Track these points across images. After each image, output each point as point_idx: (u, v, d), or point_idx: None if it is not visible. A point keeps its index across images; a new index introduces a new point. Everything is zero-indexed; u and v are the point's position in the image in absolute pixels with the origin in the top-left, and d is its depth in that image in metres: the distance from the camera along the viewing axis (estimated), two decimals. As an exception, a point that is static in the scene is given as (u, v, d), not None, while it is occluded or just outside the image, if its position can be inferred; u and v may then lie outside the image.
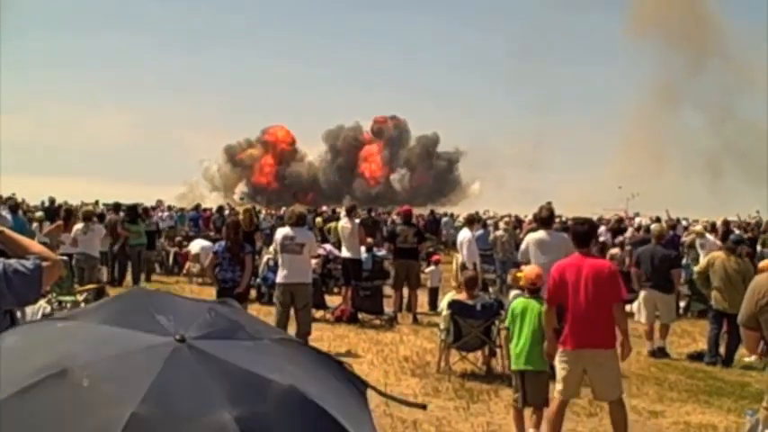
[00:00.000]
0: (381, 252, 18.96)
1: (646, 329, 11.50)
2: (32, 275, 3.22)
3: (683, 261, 16.05)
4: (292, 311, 10.63)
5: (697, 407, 8.47)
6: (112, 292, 14.33)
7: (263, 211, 36.71)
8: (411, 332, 12.42)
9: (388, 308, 13.62)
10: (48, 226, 17.59)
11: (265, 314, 12.80)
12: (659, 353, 11.16)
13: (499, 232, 18.54)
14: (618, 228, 23.11)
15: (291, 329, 10.60)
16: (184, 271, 19.22)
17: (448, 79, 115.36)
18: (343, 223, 14.71)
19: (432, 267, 15.63)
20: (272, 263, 14.48)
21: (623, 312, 6.60)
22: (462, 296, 9.48)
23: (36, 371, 1.83)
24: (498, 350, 9.23)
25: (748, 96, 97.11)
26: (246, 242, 10.87)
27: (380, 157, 73.21)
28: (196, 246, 19.09)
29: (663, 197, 50.34)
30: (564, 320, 6.45)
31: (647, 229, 18.56)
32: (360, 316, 13.24)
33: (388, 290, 14.75)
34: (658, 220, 24.65)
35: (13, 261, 3.23)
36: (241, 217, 14.80)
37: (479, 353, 9.70)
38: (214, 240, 18.80)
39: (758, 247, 17.99)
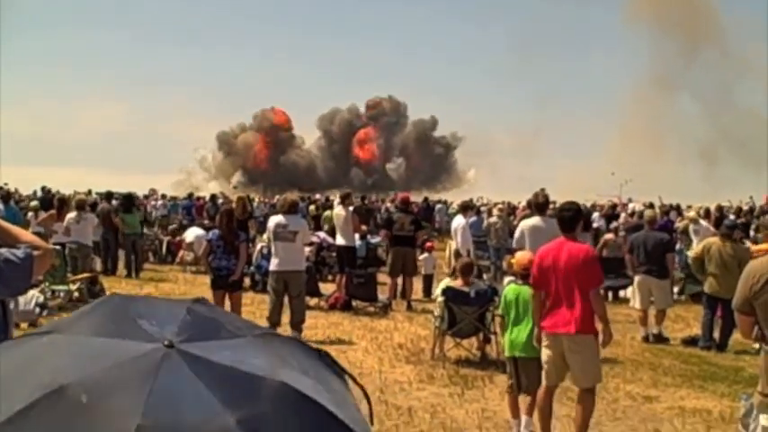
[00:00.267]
0: (375, 239, 18.97)
1: (640, 315, 11.51)
2: (23, 265, 3.17)
3: (677, 246, 16.11)
4: (286, 299, 10.62)
5: (691, 392, 8.49)
6: (105, 281, 14.35)
7: (257, 199, 36.65)
8: (405, 319, 12.42)
9: (382, 295, 13.62)
10: (42, 215, 17.55)
11: (259, 302, 12.81)
12: (657, 339, 11.16)
13: (493, 219, 18.54)
14: (611, 214, 23.18)
15: (285, 317, 10.61)
16: (178, 259, 19.19)
17: (446, 71, 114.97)
18: (338, 211, 14.70)
19: (425, 255, 15.63)
20: (265, 251, 14.45)
21: (600, 298, 6.47)
22: (458, 283, 9.47)
23: (30, 391, 1.78)
24: (493, 337, 9.23)
25: (745, 84, 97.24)
26: (240, 230, 10.84)
27: (376, 145, 72.63)
28: (191, 234, 19.00)
29: (657, 183, 50.59)
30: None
31: (641, 215, 18.60)
32: (354, 303, 13.23)
33: (381, 277, 14.75)
34: (651, 206, 24.69)
35: (3, 250, 3.18)
36: (234, 205, 14.79)
37: (474, 339, 9.69)
38: (208, 229, 18.79)
39: (751, 233, 18.01)
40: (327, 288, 14.43)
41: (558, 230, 9.76)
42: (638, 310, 11.60)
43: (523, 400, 6.83)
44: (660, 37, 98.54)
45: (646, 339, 11.17)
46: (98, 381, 1.81)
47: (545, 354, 6.45)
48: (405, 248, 14.02)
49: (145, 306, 2.25)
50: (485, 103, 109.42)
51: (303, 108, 72.06)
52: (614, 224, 19.34)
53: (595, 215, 22.80)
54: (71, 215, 14.43)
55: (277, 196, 34.82)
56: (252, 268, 14.88)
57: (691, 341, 11.11)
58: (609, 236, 16.80)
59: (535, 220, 9.78)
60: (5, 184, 26.68)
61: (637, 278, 11.67)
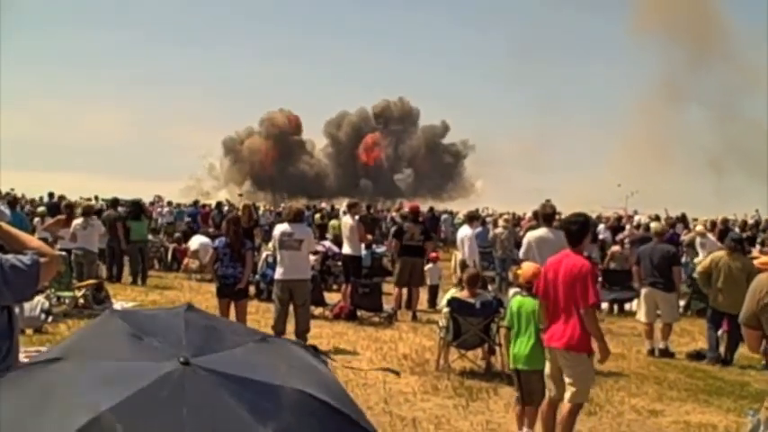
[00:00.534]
0: (380, 249, 18.95)
1: (646, 328, 11.45)
2: (30, 271, 3.17)
3: (683, 260, 16.05)
4: (291, 308, 10.61)
5: (697, 406, 8.44)
6: (111, 288, 14.35)
7: (262, 207, 36.67)
8: (410, 330, 12.39)
9: (387, 305, 13.59)
10: (48, 221, 17.56)
11: (264, 311, 12.80)
12: (662, 353, 11.09)
13: (498, 230, 18.52)
14: (617, 226, 23.12)
15: (290, 326, 10.59)
16: (183, 267, 19.19)
17: (449, 79, 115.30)
18: (345, 220, 14.71)
19: (430, 265, 15.60)
20: (270, 259, 14.45)
21: (592, 317, 6.15)
22: (463, 294, 9.44)
23: (61, 426, 1.75)
24: (498, 348, 9.20)
25: (752, 94, 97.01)
26: (246, 238, 10.84)
27: (384, 152, 71.72)
28: (195, 242, 19.06)
29: (663, 195, 50.41)
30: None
31: (647, 227, 18.57)
32: (359, 313, 13.21)
33: (387, 287, 14.72)
34: (657, 218, 24.64)
35: (10, 256, 3.19)
36: (240, 213, 14.80)
37: (479, 351, 9.67)
38: (212, 236, 18.79)
39: (757, 246, 17.95)
40: (332, 297, 14.42)
41: (564, 242, 9.79)
42: (643, 323, 11.55)
43: (528, 413, 6.81)
44: (667, 46, 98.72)
45: (651, 353, 11.12)
46: (129, 408, 1.80)
47: (546, 366, 6.45)
48: (413, 258, 13.98)
49: (143, 321, 2.25)
50: (487, 110, 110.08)
51: (309, 112, 72.03)
52: (620, 236, 19.30)
53: (601, 227, 22.75)
54: (78, 221, 14.45)
55: (282, 204, 34.87)
56: (257, 276, 14.88)
57: (696, 355, 11.05)
58: (615, 248, 16.79)
59: (542, 231, 9.77)
60: (12, 189, 26.81)
61: (643, 291, 11.61)
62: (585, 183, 66.35)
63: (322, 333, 11.55)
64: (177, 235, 22.95)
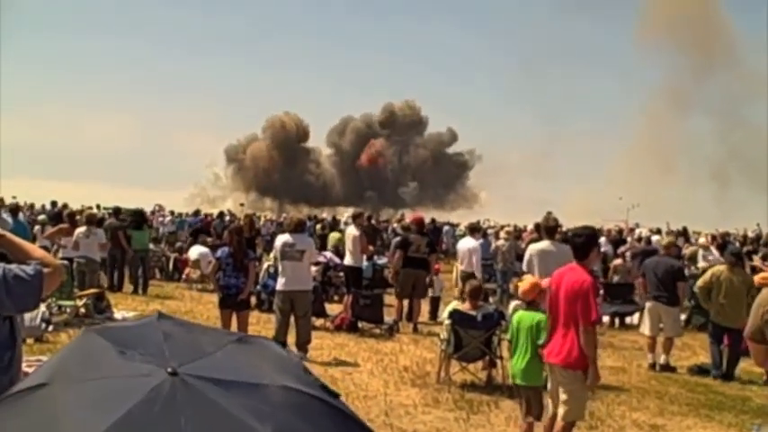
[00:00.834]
0: (382, 260, 18.93)
1: (648, 342, 11.42)
2: (33, 282, 3.15)
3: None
4: (292, 319, 10.60)
5: (698, 421, 8.41)
6: (112, 297, 14.34)
7: (262, 218, 36.65)
8: (411, 342, 12.37)
9: (388, 317, 13.57)
10: (49, 229, 17.56)
11: (265, 321, 12.79)
12: (663, 368, 11.04)
13: (500, 242, 18.50)
14: (618, 239, 23.11)
15: (291, 337, 10.58)
16: (184, 276, 19.19)
17: (455, 90, 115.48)
18: (349, 230, 14.71)
19: (433, 277, 15.57)
20: (272, 270, 14.45)
21: (590, 336, 5.97)
22: (465, 306, 9.44)
23: None
24: (499, 361, 9.19)
25: (756, 102, 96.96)
26: (247, 248, 10.84)
27: (388, 160, 70.54)
28: (194, 252, 19.09)
29: (665, 207, 50.41)
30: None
31: (648, 240, 18.59)
32: (360, 325, 13.18)
33: (388, 299, 14.69)
34: (658, 231, 24.66)
35: (13, 266, 3.16)
36: (242, 223, 14.82)
37: (480, 363, 9.65)
38: (210, 246, 18.81)
39: (759, 255, 17.94)
40: (333, 309, 14.40)
41: (567, 255, 9.77)
42: (647, 337, 11.51)
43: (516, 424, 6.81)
44: (671, 56, 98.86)
45: (652, 367, 11.08)
46: (124, 428, 1.79)
47: (549, 381, 6.42)
48: (417, 270, 13.93)
49: (121, 335, 2.23)
50: (493, 120, 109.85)
51: (315, 120, 71.50)
52: (622, 249, 19.30)
53: (602, 240, 22.73)
54: (81, 229, 14.46)
55: (284, 215, 34.87)
56: (258, 287, 14.87)
57: (697, 369, 11.02)
58: (618, 261, 16.77)
59: (544, 244, 9.78)
60: (13, 197, 26.83)
61: (647, 304, 11.58)
62: (588, 195, 66.38)
63: (323, 344, 11.54)
64: (179, 244, 22.95)
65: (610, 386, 9.40)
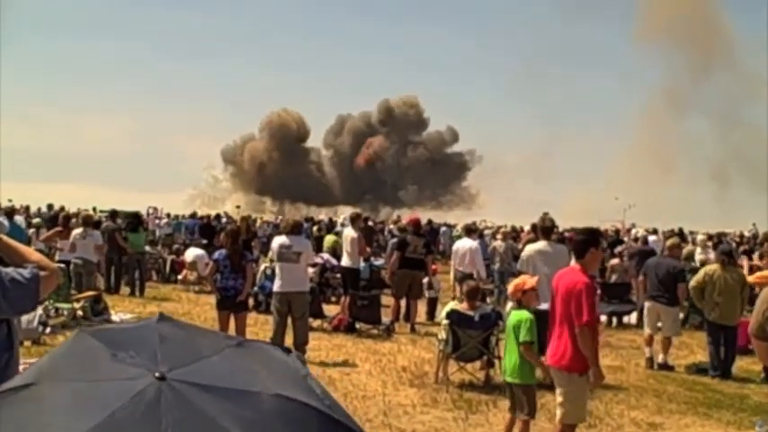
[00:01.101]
0: (379, 262, 18.92)
1: (645, 339, 11.42)
2: (29, 285, 3.15)
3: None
4: (290, 320, 10.59)
5: (696, 419, 8.42)
6: (109, 299, 14.32)
7: (259, 220, 36.62)
8: (409, 342, 12.37)
9: (386, 318, 13.56)
10: (45, 232, 17.54)
11: (262, 323, 12.78)
12: (662, 367, 11.04)
13: (497, 242, 18.51)
14: (616, 239, 23.14)
15: (288, 339, 10.57)
16: (181, 278, 19.17)
17: (454, 91, 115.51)
18: (347, 232, 14.71)
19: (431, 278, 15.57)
20: (269, 271, 14.44)
21: (586, 337, 5.86)
22: (463, 306, 9.44)
23: None
24: (497, 361, 9.19)
25: (754, 102, 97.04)
26: (244, 250, 10.83)
27: (387, 164, 70.47)
28: (190, 254, 19.12)
29: (664, 207, 50.50)
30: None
31: (645, 240, 18.61)
32: (357, 325, 13.18)
33: (385, 299, 14.70)
34: (655, 231, 24.69)
35: (9, 270, 3.16)
36: (239, 225, 14.81)
37: (478, 363, 9.65)
38: (205, 248, 18.80)
39: (744, 258, 17.98)
40: (331, 310, 14.39)
41: (563, 255, 9.82)
42: (641, 335, 11.51)
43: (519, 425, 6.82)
44: (670, 56, 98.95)
45: (650, 362, 11.08)
46: (104, 431, 1.78)
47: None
48: (414, 271, 13.96)
49: (116, 337, 2.21)
50: (492, 121, 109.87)
51: (314, 122, 71.28)
52: (619, 249, 19.31)
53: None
54: (77, 231, 14.44)
55: (279, 217, 34.84)
56: (255, 289, 14.85)
57: (695, 368, 11.03)
58: (615, 261, 16.78)
59: (541, 244, 9.78)
60: (9, 200, 26.80)
61: (647, 304, 11.60)
62: (586, 195, 66.46)
63: (321, 345, 11.53)
64: (176, 246, 22.92)
65: (608, 385, 9.39)
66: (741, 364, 11.08)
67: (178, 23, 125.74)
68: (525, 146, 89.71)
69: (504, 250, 17.67)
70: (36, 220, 21.81)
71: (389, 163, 70.18)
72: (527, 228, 22.37)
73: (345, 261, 14.28)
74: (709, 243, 17.46)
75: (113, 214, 18.94)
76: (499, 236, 19.41)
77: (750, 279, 10.91)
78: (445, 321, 9.38)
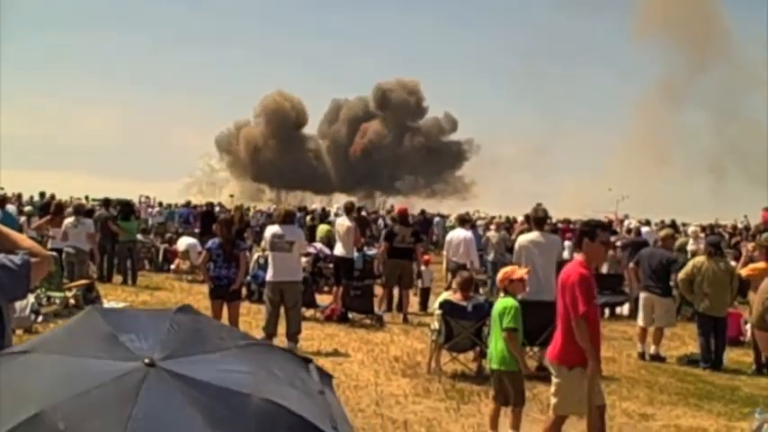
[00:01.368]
0: (372, 251, 18.92)
1: (638, 332, 11.45)
2: (20, 271, 3.13)
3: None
4: (282, 310, 10.58)
5: (687, 410, 8.45)
6: (101, 288, 14.29)
7: (251, 210, 36.56)
8: (401, 332, 12.38)
9: (379, 308, 13.57)
10: (37, 221, 17.47)
11: (255, 312, 12.77)
12: (653, 358, 11.06)
13: (491, 233, 18.51)
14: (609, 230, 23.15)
15: (281, 328, 10.57)
16: (173, 267, 19.14)
17: (452, 83, 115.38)
18: (341, 221, 14.70)
19: (422, 268, 15.58)
20: (262, 261, 14.43)
21: (581, 329, 5.77)
22: (456, 297, 9.45)
23: (7, 418, 1.75)
24: (489, 351, 9.21)
25: (751, 95, 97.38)
26: (238, 239, 10.81)
27: (382, 151, 69.10)
28: (183, 243, 19.10)
29: (657, 199, 50.62)
30: None
31: (638, 231, 18.65)
32: (350, 315, 13.18)
33: (378, 289, 14.71)
34: (648, 222, 24.74)
35: (0, 256, 3.15)
36: (232, 214, 14.78)
37: (470, 354, 9.67)
38: (200, 236, 18.77)
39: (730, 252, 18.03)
40: (324, 299, 14.39)
41: (556, 246, 9.83)
42: (634, 326, 11.54)
43: (509, 415, 6.84)
44: (667, 49, 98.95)
45: (642, 356, 11.12)
46: (76, 405, 1.79)
47: None
48: (403, 261, 13.97)
49: (126, 319, 2.22)
50: (489, 113, 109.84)
51: (310, 113, 70.97)
52: (612, 240, 19.33)
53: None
54: (69, 219, 14.40)
55: (274, 206, 34.78)
56: (248, 278, 14.84)
57: (687, 359, 11.06)
58: (608, 252, 16.80)
59: (533, 235, 9.79)
60: (1, 188, 26.68)
61: (642, 294, 11.62)
62: (581, 187, 66.52)
63: (313, 335, 11.53)
64: (168, 235, 22.87)
65: (600, 376, 9.41)
66: (732, 356, 11.13)
67: (173, 14, 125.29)
68: (523, 138, 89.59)
69: (497, 241, 17.68)
70: (28, 209, 21.70)
71: (385, 151, 69.22)
72: (520, 219, 22.37)
73: (339, 250, 14.27)
74: (702, 234, 17.48)
75: (106, 203, 18.90)
76: (493, 226, 19.42)
77: (743, 272, 10.93)
78: (438, 312, 9.38)
